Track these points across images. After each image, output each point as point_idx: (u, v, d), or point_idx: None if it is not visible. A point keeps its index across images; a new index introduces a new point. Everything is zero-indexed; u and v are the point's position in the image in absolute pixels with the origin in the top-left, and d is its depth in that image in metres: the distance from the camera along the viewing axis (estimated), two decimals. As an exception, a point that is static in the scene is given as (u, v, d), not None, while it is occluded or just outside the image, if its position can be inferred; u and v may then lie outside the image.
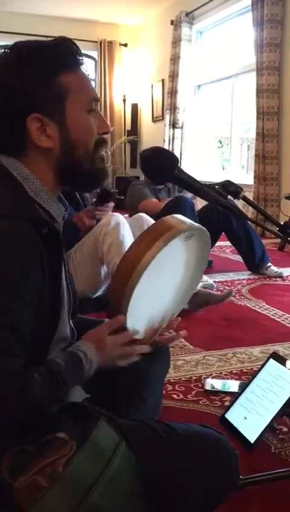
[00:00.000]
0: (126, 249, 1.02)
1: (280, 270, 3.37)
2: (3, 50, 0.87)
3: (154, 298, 1.11)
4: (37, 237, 0.81)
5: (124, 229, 2.35)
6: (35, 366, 0.82)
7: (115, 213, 2.47)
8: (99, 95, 7.99)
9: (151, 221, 2.61)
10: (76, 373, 0.89)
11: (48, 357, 0.90)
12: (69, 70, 0.88)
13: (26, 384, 0.78)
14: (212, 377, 1.77)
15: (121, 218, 2.39)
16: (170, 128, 6.92)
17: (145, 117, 8.34)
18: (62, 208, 0.96)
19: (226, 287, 3.06)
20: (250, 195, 5.14)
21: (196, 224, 1.07)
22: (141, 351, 1.04)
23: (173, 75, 6.75)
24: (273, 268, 3.37)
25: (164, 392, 1.49)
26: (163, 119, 7.18)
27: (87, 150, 0.91)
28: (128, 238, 2.31)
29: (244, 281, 3.24)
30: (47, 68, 0.86)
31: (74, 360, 0.90)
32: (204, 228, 1.10)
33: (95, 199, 2.53)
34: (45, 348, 0.89)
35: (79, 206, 2.77)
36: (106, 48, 8.05)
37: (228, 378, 1.77)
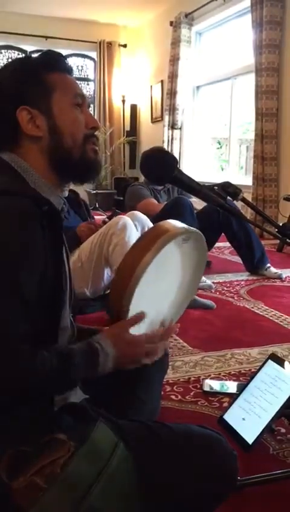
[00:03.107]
0: None
1: (279, 271, 3.38)
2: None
3: (154, 303, 1.11)
4: (38, 213, 0.86)
5: (131, 231, 2.37)
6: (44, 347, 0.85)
7: (124, 215, 2.49)
8: (98, 96, 8.06)
9: (143, 218, 2.62)
10: (90, 361, 0.90)
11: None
12: (55, 71, 0.98)
13: (35, 352, 0.81)
14: (211, 378, 1.77)
15: (129, 221, 2.42)
16: (169, 129, 6.93)
17: (144, 118, 8.35)
18: (61, 200, 1.01)
19: (225, 288, 3.07)
20: (249, 196, 5.14)
21: (192, 228, 1.08)
22: (163, 348, 1.06)
23: (172, 76, 6.76)
24: (273, 269, 3.37)
25: (162, 393, 1.49)
26: (162, 120, 7.19)
27: (75, 141, 0.98)
28: (134, 241, 2.32)
29: (243, 282, 3.24)
30: (34, 69, 0.97)
31: (89, 349, 0.91)
32: (200, 232, 1.10)
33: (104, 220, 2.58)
34: (52, 333, 0.90)
35: (81, 210, 2.78)
36: (106, 49, 8.05)
37: (226, 379, 1.77)
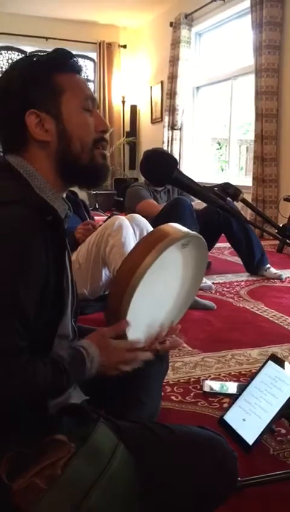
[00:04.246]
0: (128, 252, 1.03)
1: (279, 272, 3.38)
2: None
3: (153, 306, 1.11)
4: (41, 223, 0.84)
5: (128, 231, 2.36)
6: (39, 356, 0.85)
7: (120, 216, 2.49)
8: (98, 96, 8.06)
9: (142, 221, 2.62)
10: (78, 368, 0.91)
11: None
12: (64, 72, 0.94)
13: (31, 364, 0.82)
14: (211, 379, 1.77)
15: (125, 221, 2.41)
16: (168, 129, 6.93)
17: (144, 118, 8.35)
18: (65, 206, 0.99)
19: (225, 289, 3.07)
20: (249, 197, 5.14)
21: (192, 231, 1.07)
22: (143, 358, 1.05)
23: (172, 77, 6.76)
24: (273, 270, 3.37)
25: (162, 393, 1.49)
26: (162, 120, 7.20)
27: (84, 145, 0.95)
28: (130, 241, 2.32)
29: (243, 283, 3.24)
30: (43, 70, 0.93)
31: (76, 356, 0.92)
32: (200, 236, 1.10)
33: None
34: (49, 341, 0.90)
35: (80, 210, 2.78)
36: (105, 50, 8.05)
37: (226, 380, 1.77)
